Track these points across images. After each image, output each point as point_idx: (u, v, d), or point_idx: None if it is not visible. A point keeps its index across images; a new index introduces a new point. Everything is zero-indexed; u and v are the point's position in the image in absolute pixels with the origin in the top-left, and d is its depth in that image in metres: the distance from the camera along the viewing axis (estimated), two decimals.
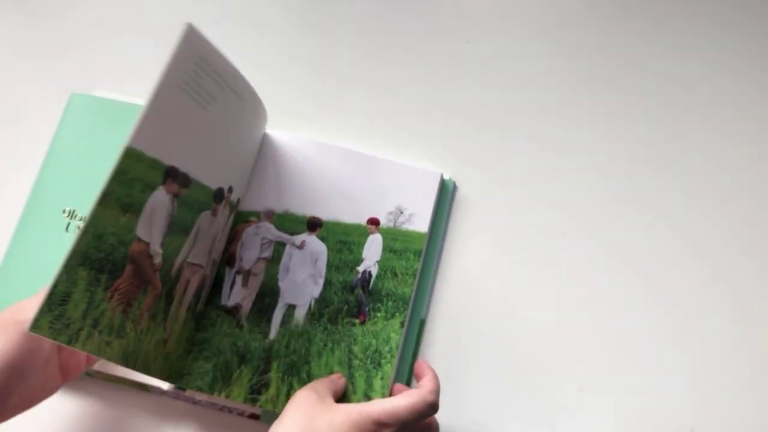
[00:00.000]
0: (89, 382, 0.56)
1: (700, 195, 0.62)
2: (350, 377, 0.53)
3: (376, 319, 0.55)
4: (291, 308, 0.56)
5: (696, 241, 0.60)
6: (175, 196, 0.46)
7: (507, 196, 0.62)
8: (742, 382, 0.56)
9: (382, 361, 0.54)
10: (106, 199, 0.41)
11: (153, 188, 0.44)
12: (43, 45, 0.67)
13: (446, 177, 0.63)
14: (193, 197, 0.48)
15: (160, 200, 0.44)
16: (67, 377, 0.47)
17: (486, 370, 0.56)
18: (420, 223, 0.60)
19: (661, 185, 0.62)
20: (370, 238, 0.58)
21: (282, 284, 0.56)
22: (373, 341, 0.55)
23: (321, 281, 0.56)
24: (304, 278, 0.57)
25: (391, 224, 0.62)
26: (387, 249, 0.58)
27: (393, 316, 0.55)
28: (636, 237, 0.61)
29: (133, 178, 0.42)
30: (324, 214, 0.59)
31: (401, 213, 0.62)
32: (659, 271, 0.59)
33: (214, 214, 0.51)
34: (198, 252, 0.50)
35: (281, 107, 0.60)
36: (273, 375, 0.53)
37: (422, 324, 0.58)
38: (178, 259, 0.49)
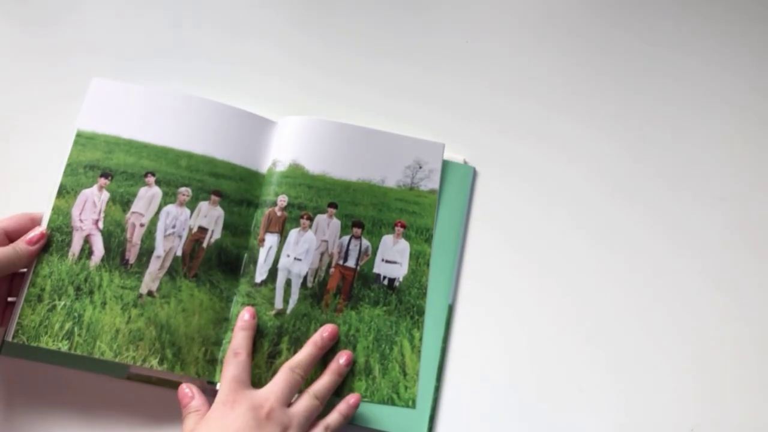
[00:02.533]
0: (125, 385, 0.54)
1: (701, 195, 0.62)
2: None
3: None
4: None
5: (696, 240, 0.61)
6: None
7: (505, 192, 0.62)
8: (743, 382, 0.56)
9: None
10: None
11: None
12: (46, 45, 0.66)
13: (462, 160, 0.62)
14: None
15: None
16: None
17: (485, 368, 0.56)
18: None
19: (662, 184, 0.62)
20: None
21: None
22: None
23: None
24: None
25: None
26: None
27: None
28: (636, 236, 0.60)
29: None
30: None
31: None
32: (659, 271, 0.59)
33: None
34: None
35: (282, 101, 0.63)
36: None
37: (450, 310, 0.57)
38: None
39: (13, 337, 0.50)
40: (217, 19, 0.67)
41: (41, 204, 0.55)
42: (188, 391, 0.50)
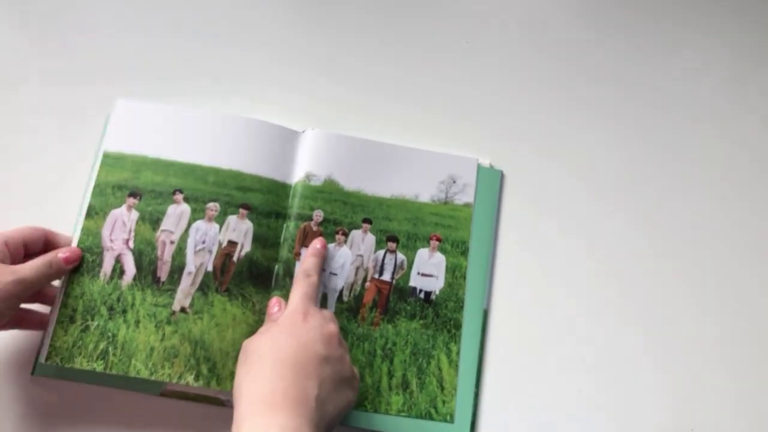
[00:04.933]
0: (160, 402, 0.54)
1: (700, 194, 0.63)
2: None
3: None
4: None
5: (695, 240, 0.61)
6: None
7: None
8: (742, 382, 0.56)
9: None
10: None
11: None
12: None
13: (488, 164, 0.63)
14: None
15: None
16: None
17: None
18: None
19: (661, 185, 0.63)
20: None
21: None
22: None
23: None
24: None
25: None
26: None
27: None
28: (635, 237, 0.61)
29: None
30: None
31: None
32: (659, 271, 0.59)
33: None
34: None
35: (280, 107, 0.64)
36: None
37: (485, 315, 0.57)
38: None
39: (47, 359, 0.50)
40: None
41: (65, 224, 0.55)
42: (277, 306, 0.51)
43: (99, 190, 0.56)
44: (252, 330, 0.53)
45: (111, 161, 0.57)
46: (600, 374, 0.56)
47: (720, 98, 0.67)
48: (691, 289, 0.59)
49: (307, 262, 0.54)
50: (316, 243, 0.55)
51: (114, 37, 0.67)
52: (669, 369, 0.56)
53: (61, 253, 0.52)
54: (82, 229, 0.54)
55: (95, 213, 0.55)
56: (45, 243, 0.53)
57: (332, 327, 0.48)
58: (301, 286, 0.51)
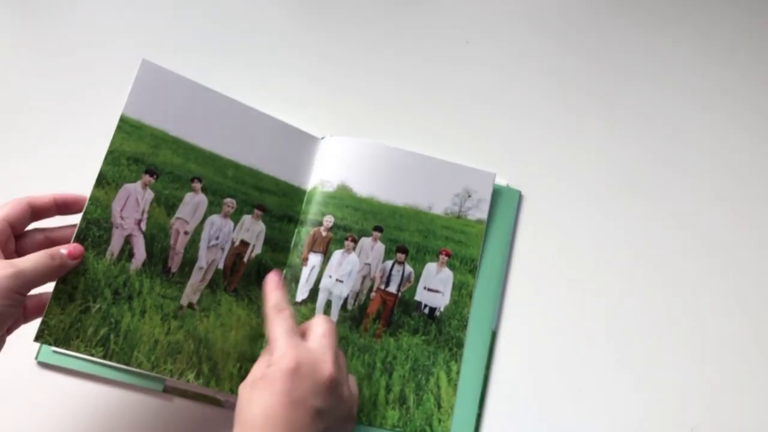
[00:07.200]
0: (162, 397, 0.54)
1: (700, 193, 0.62)
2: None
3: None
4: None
5: (697, 239, 0.61)
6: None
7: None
8: (743, 381, 0.56)
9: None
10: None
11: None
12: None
13: (505, 183, 0.62)
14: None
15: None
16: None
17: (493, 390, 0.56)
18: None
19: (663, 183, 0.63)
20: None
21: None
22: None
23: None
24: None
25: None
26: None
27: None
28: (636, 236, 0.61)
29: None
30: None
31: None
32: (659, 270, 0.60)
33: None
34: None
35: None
36: None
37: (493, 336, 0.56)
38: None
39: (38, 338, 0.45)
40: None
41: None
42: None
43: (112, 158, 0.50)
44: (255, 333, 0.53)
45: (128, 128, 0.51)
46: (594, 372, 0.55)
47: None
48: (691, 292, 0.59)
49: (274, 296, 0.49)
50: (274, 275, 0.51)
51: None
52: (670, 369, 0.56)
53: (63, 249, 0.46)
54: (90, 198, 0.49)
55: (106, 183, 0.50)
56: (32, 215, 0.48)
57: (326, 369, 0.45)
58: (279, 323, 0.47)
